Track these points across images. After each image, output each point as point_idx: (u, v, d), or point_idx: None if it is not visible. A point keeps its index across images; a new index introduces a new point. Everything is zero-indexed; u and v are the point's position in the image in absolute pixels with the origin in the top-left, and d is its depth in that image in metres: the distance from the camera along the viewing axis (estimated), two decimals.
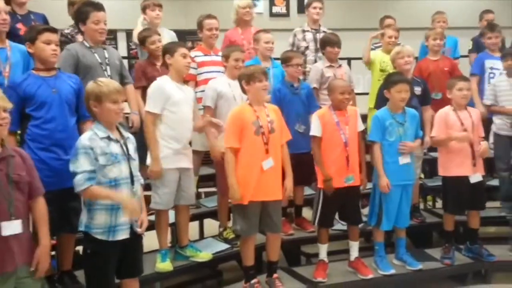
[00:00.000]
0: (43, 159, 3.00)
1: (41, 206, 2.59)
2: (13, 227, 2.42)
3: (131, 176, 2.75)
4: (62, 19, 4.38)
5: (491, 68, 4.97)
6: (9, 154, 2.46)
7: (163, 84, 3.46)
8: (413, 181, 3.84)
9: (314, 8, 5.10)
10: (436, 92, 4.58)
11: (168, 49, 3.56)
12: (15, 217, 2.43)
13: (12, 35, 3.73)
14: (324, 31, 5.06)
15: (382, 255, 3.80)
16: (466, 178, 3.82)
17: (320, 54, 4.91)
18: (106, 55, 3.63)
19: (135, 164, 2.82)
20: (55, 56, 3.08)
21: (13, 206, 2.42)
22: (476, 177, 3.82)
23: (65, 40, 4.10)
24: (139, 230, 2.80)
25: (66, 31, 4.29)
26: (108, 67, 3.59)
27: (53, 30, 3.14)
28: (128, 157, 2.75)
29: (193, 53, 4.41)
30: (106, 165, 2.66)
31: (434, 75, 4.75)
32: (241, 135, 3.30)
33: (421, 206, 4.86)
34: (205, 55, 4.38)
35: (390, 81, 3.80)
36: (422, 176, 4.85)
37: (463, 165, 3.82)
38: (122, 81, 3.73)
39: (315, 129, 3.65)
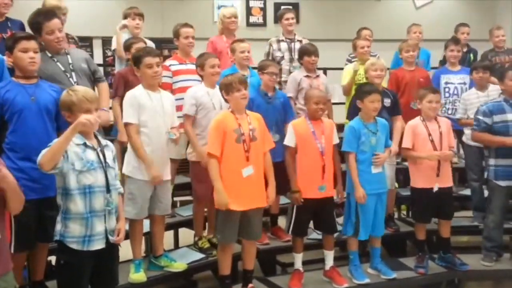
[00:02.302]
0: (21, 168, 2.94)
1: None
2: None
3: (107, 184, 2.70)
4: None
5: (446, 83, 5.09)
6: None
7: (136, 94, 3.43)
8: (386, 189, 3.88)
9: (287, 19, 5.17)
10: (415, 102, 4.65)
11: (135, 61, 3.51)
12: None
13: None
14: (299, 40, 5.11)
15: (357, 264, 3.82)
16: (429, 189, 3.87)
17: (295, 64, 4.96)
18: (70, 61, 3.51)
19: (113, 172, 2.76)
20: (33, 64, 3.03)
21: None
22: (436, 186, 3.87)
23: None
24: (116, 238, 2.74)
25: None
26: (73, 73, 3.48)
27: (30, 38, 3.08)
28: (105, 165, 2.70)
29: (168, 62, 4.42)
30: (82, 171, 2.60)
31: (411, 85, 4.84)
32: (223, 143, 3.29)
33: (395, 215, 4.91)
34: (180, 63, 4.37)
35: (363, 91, 3.84)
36: (397, 185, 4.90)
37: (429, 177, 3.87)
38: (95, 80, 3.68)
39: (288, 139, 3.69)
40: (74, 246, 2.62)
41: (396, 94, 4.56)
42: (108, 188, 2.69)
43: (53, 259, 3.48)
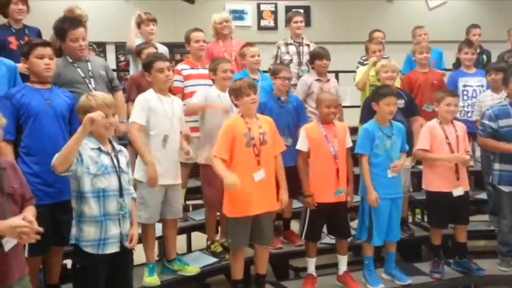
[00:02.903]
0: (37, 172, 2.98)
1: (31, 208, 2.49)
2: (11, 240, 2.35)
3: (121, 188, 2.71)
4: None
5: (464, 86, 5.03)
6: (1, 167, 2.40)
7: (147, 97, 3.45)
8: (402, 194, 3.83)
9: (295, 22, 5.16)
10: (428, 105, 4.61)
11: (146, 66, 3.53)
12: None
13: (2, 46, 3.78)
14: (307, 44, 5.10)
15: (371, 270, 3.78)
16: (448, 194, 3.80)
17: (303, 68, 4.95)
18: (90, 68, 3.56)
19: (127, 177, 2.78)
20: (48, 70, 3.09)
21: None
22: (458, 190, 3.81)
23: None
24: (129, 245, 2.76)
25: None
26: (92, 80, 3.52)
27: (46, 44, 3.15)
28: (119, 170, 2.72)
29: (180, 66, 4.45)
30: (96, 175, 2.63)
31: (424, 87, 4.81)
32: (232, 147, 3.29)
33: (410, 219, 4.86)
34: (192, 68, 4.39)
35: (378, 93, 3.81)
36: (411, 189, 4.85)
37: (446, 180, 3.81)
38: (111, 89, 3.71)
39: (300, 143, 3.68)
40: (88, 249, 2.65)
41: (410, 94, 4.51)
42: (121, 193, 2.71)
43: (68, 262, 3.50)
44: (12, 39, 4.01)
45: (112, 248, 2.68)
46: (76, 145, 2.56)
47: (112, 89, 3.70)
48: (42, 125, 3.02)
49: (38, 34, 4.22)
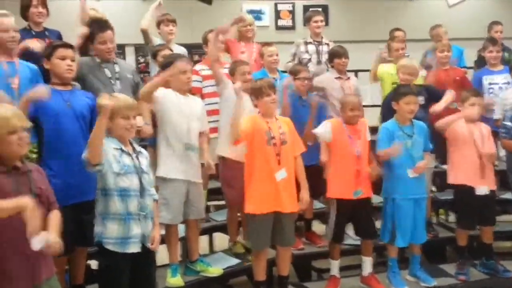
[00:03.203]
0: (58, 173, 2.99)
1: (56, 214, 2.49)
2: (40, 239, 2.35)
3: (142, 189, 2.73)
4: None
5: (490, 84, 4.95)
6: (28, 169, 2.43)
7: (165, 92, 3.45)
8: (425, 195, 3.77)
9: (315, 22, 5.13)
10: (451, 102, 4.54)
11: (167, 66, 3.52)
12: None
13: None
14: (326, 43, 5.07)
15: (396, 271, 3.73)
16: (473, 189, 3.73)
17: (322, 67, 4.90)
18: (117, 70, 3.61)
19: (147, 178, 2.80)
20: (70, 71, 3.12)
21: None
22: (482, 189, 3.73)
23: None
24: (151, 247, 2.77)
25: None
26: (117, 82, 3.56)
27: (68, 46, 3.18)
28: (140, 170, 2.74)
29: (198, 67, 4.46)
30: (119, 173, 2.65)
31: (447, 84, 4.71)
32: (253, 143, 3.28)
33: (434, 220, 4.78)
34: (210, 68, 4.36)
35: (399, 92, 3.77)
36: (434, 189, 4.78)
37: (472, 174, 3.74)
38: (136, 93, 3.71)
39: (321, 129, 3.64)
40: (111, 247, 2.67)
41: (430, 86, 4.39)
42: (142, 193, 2.72)
43: (92, 263, 3.52)
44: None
45: (134, 248, 2.70)
46: (101, 132, 2.58)
47: (136, 93, 3.72)
48: (62, 126, 3.04)
49: (59, 36, 4.24)
